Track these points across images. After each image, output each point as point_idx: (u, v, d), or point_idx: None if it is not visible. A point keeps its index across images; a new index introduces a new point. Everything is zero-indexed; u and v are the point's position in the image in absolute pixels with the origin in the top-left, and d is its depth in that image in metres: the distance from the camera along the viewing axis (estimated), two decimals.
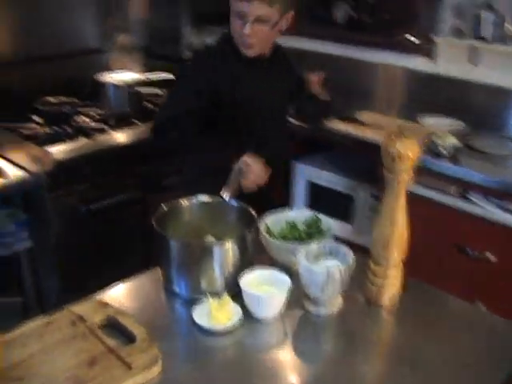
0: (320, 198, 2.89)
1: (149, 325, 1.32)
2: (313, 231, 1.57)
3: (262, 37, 1.93)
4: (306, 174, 2.90)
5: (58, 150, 2.38)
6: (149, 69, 3.12)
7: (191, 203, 1.57)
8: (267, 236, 1.51)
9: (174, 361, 1.26)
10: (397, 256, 1.37)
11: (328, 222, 1.58)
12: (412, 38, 2.84)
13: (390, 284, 1.39)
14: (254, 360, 1.28)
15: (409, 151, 1.27)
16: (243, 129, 2.01)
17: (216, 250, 1.41)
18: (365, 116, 2.67)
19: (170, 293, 1.48)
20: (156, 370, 1.21)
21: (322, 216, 1.61)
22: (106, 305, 1.40)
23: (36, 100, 2.70)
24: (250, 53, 1.97)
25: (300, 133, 2.68)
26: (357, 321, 1.38)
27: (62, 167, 2.30)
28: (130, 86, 2.65)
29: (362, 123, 2.57)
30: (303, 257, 1.36)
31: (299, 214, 1.65)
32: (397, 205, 1.33)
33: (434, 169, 2.32)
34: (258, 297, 1.35)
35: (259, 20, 1.88)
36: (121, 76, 2.74)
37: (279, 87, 2.12)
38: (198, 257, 1.41)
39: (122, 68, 2.95)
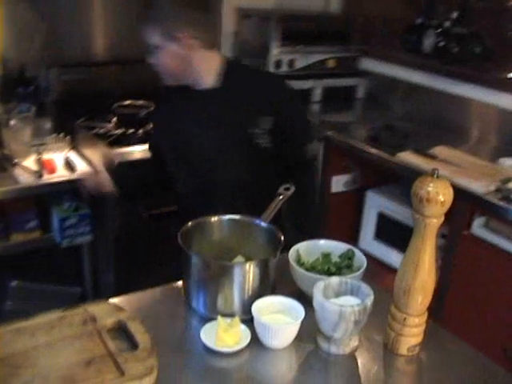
0: (389, 230, 2.80)
1: (158, 335, 1.31)
2: (343, 266, 1.50)
3: (168, 65, 1.87)
4: (376, 204, 2.81)
5: (126, 152, 2.44)
6: None
7: (220, 220, 1.54)
8: (293, 264, 1.46)
9: (170, 374, 1.23)
10: (419, 304, 1.28)
11: (361, 259, 1.51)
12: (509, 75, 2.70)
13: (410, 333, 1.30)
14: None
15: (440, 194, 1.18)
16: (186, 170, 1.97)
17: (235, 272, 1.38)
18: (441, 151, 2.55)
19: (188, 308, 1.45)
20: (148, 381, 1.18)
21: (357, 251, 1.54)
22: (120, 309, 1.39)
23: (119, 101, 2.77)
24: (168, 81, 1.93)
25: (371, 161, 2.61)
26: (369, 366, 1.30)
27: (127, 168, 2.34)
28: None
29: (434, 158, 2.45)
30: (319, 291, 1.30)
31: (337, 246, 1.58)
32: (423, 249, 1.24)
33: (504, 214, 2.17)
34: (268, 326, 1.30)
35: (155, 47, 1.84)
36: None
37: (229, 118, 1.88)
38: (216, 276, 1.38)
39: None
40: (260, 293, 1.40)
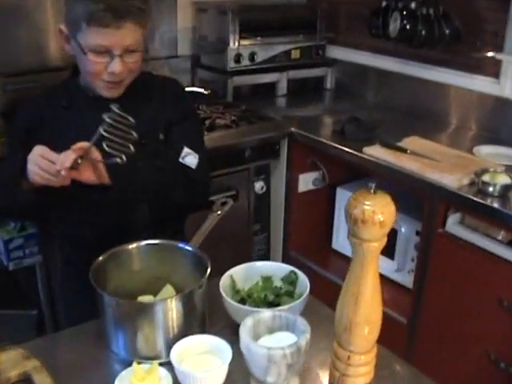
0: None
1: None
2: (282, 293, 1.29)
3: (133, 68, 1.48)
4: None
5: None
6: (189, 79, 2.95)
7: (138, 247, 1.32)
8: (223, 294, 1.24)
9: None
10: (364, 341, 1.07)
11: (304, 283, 1.29)
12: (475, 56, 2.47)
13: (356, 373, 1.09)
14: None
15: (377, 214, 0.97)
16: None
17: (154, 311, 1.16)
18: (412, 142, 2.33)
19: (110, 351, 1.24)
20: None
21: (300, 274, 1.32)
22: (28, 357, 1.18)
23: None
24: (117, 93, 1.52)
25: (338, 157, 2.39)
26: None
27: None
28: None
29: (404, 151, 2.22)
30: (247, 329, 1.08)
31: (278, 267, 1.36)
32: (364, 278, 1.03)
33: (480, 210, 1.96)
34: (187, 373, 1.09)
35: (128, 50, 1.43)
36: None
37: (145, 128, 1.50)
38: (134, 316, 1.17)
39: None
40: (186, 331, 1.19)
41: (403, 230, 2.40)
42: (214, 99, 2.83)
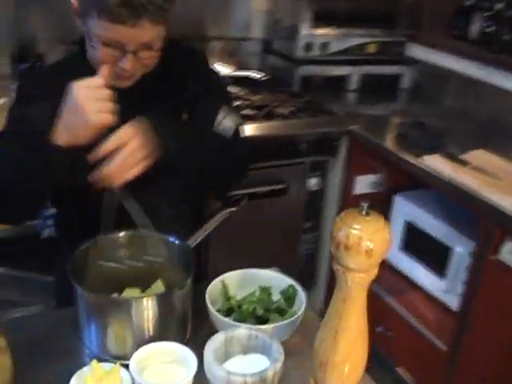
0: (417, 242, 2.38)
1: (27, 374, 1.05)
2: (272, 309, 1.16)
3: (148, 63, 1.27)
4: (404, 210, 2.40)
5: None
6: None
7: (127, 236, 1.21)
8: (207, 301, 1.12)
9: None
10: (341, 383, 0.91)
11: (300, 302, 1.15)
12: None
13: None
14: None
15: (365, 240, 0.81)
16: None
17: (127, 309, 1.06)
18: (477, 156, 2.10)
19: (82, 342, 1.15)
20: None
21: (299, 291, 1.18)
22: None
23: None
24: (127, 84, 1.29)
25: (397, 163, 2.20)
26: None
27: None
28: None
29: (465, 164, 2.01)
30: (213, 346, 0.96)
31: (279, 279, 1.23)
32: (346, 313, 0.87)
33: None
34: None
35: (144, 46, 1.22)
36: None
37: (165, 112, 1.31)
38: (105, 312, 1.08)
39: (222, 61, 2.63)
40: (162, 334, 1.08)
41: (457, 249, 2.18)
42: (278, 86, 2.69)
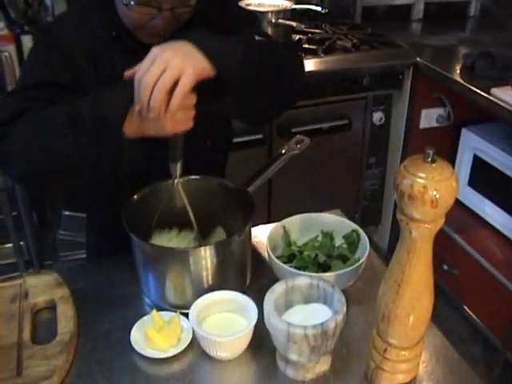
0: (485, 177, 2.25)
1: (90, 321, 1.04)
2: (335, 256, 1.09)
3: (183, 19, 1.14)
4: (472, 144, 2.25)
5: None
6: None
7: (185, 182, 1.14)
8: (268, 248, 1.07)
9: (85, 378, 0.94)
10: (404, 335, 0.85)
11: (364, 247, 1.08)
12: None
13: (394, 369, 0.88)
14: None
15: (430, 190, 0.73)
16: None
17: (185, 258, 1.01)
18: None
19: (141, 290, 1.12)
20: None
21: (363, 236, 1.11)
22: (60, 285, 1.11)
23: None
24: (158, 41, 1.06)
25: (465, 95, 2.05)
26: None
27: None
28: (273, 14, 2.17)
29: None
30: (274, 296, 0.91)
31: (342, 223, 1.15)
32: (409, 265, 0.80)
33: None
34: (205, 337, 0.94)
35: (180, 4, 1.09)
36: (269, 1, 2.28)
37: None
38: (163, 263, 1.03)
39: None
40: (221, 283, 1.04)
41: None
42: (339, 18, 2.54)
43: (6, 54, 2.03)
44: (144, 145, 1.04)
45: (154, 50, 0.95)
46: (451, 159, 2.38)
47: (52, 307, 1.07)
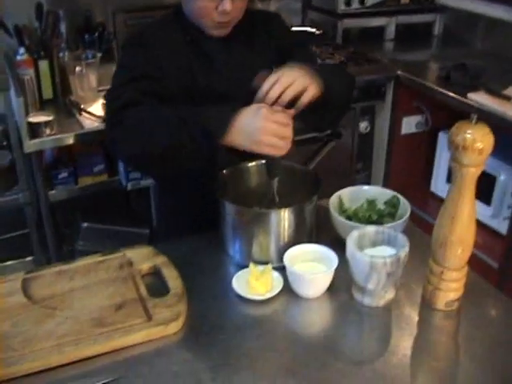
0: None
1: (192, 282, 1.30)
2: (385, 214, 1.42)
3: (243, 7, 1.48)
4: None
5: None
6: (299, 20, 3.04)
7: (257, 165, 1.47)
8: (332, 211, 1.39)
9: (199, 321, 1.22)
10: (457, 258, 1.19)
11: (406, 207, 1.42)
12: None
13: (448, 287, 1.21)
14: (281, 332, 1.21)
15: (477, 142, 1.07)
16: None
17: (269, 219, 1.33)
18: None
19: (225, 256, 1.42)
20: (174, 326, 1.18)
21: (402, 199, 1.45)
22: (157, 254, 1.39)
23: None
24: (224, 32, 1.51)
25: (442, 102, 2.45)
26: (403, 319, 1.22)
27: None
28: None
29: (508, 98, 2.26)
30: (353, 241, 1.23)
31: (382, 192, 1.49)
32: (461, 200, 1.14)
33: None
34: (299, 275, 1.26)
35: None
36: None
37: (263, 62, 1.55)
38: (251, 224, 1.34)
39: None
40: (295, 240, 1.34)
41: (502, 177, 2.45)
42: (323, 40, 2.93)
43: (28, 77, 2.32)
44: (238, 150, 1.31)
45: (277, 73, 1.31)
46: (431, 160, 2.78)
47: (155, 273, 1.34)
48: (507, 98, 2.27)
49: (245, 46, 1.58)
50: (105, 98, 1.57)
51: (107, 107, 1.51)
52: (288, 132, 1.27)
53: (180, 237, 1.52)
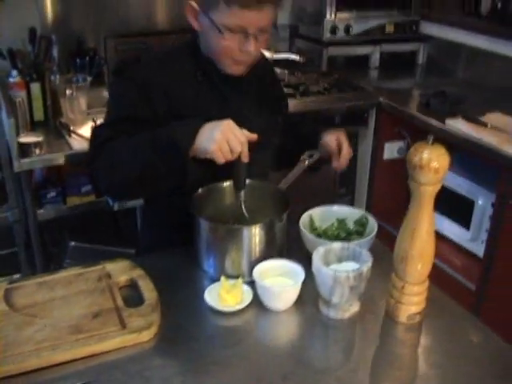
0: (442, 199, 2.71)
1: (166, 294, 1.37)
2: (353, 232, 1.50)
3: (263, 48, 1.52)
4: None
5: None
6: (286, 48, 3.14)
7: (231, 185, 1.54)
8: (302, 228, 1.47)
9: (173, 331, 1.28)
10: (417, 273, 1.26)
11: (373, 225, 1.50)
12: None
13: (409, 301, 1.28)
14: (250, 342, 1.27)
15: (433, 161, 1.15)
16: None
17: (241, 235, 1.40)
18: (494, 118, 2.44)
19: (200, 270, 1.49)
20: (146, 334, 1.24)
21: (370, 218, 1.53)
22: (135, 267, 1.45)
23: None
24: (241, 71, 1.53)
25: (422, 128, 2.54)
26: (367, 332, 1.29)
27: None
28: None
29: (484, 125, 2.35)
30: (319, 256, 1.30)
31: (352, 212, 1.57)
32: (420, 217, 1.22)
33: None
34: (267, 288, 1.33)
35: (262, 30, 1.43)
36: None
37: (265, 103, 1.67)
38: (223, 240, 1.41)
39: None
40: (266, 255, 1.41)
41: (480, 202, 2.52)
42: (309, 67, 3.04)
43: (20, 99, 2.40)
44: (208, 162, 1.38)
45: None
46: None
47: (132, 285, 1.41)
48: (484, 125, 2.36)
49: (255, 87, 1.64)
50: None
51: (90, 143, 1.55)
52: (238, 147, 1.34)
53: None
